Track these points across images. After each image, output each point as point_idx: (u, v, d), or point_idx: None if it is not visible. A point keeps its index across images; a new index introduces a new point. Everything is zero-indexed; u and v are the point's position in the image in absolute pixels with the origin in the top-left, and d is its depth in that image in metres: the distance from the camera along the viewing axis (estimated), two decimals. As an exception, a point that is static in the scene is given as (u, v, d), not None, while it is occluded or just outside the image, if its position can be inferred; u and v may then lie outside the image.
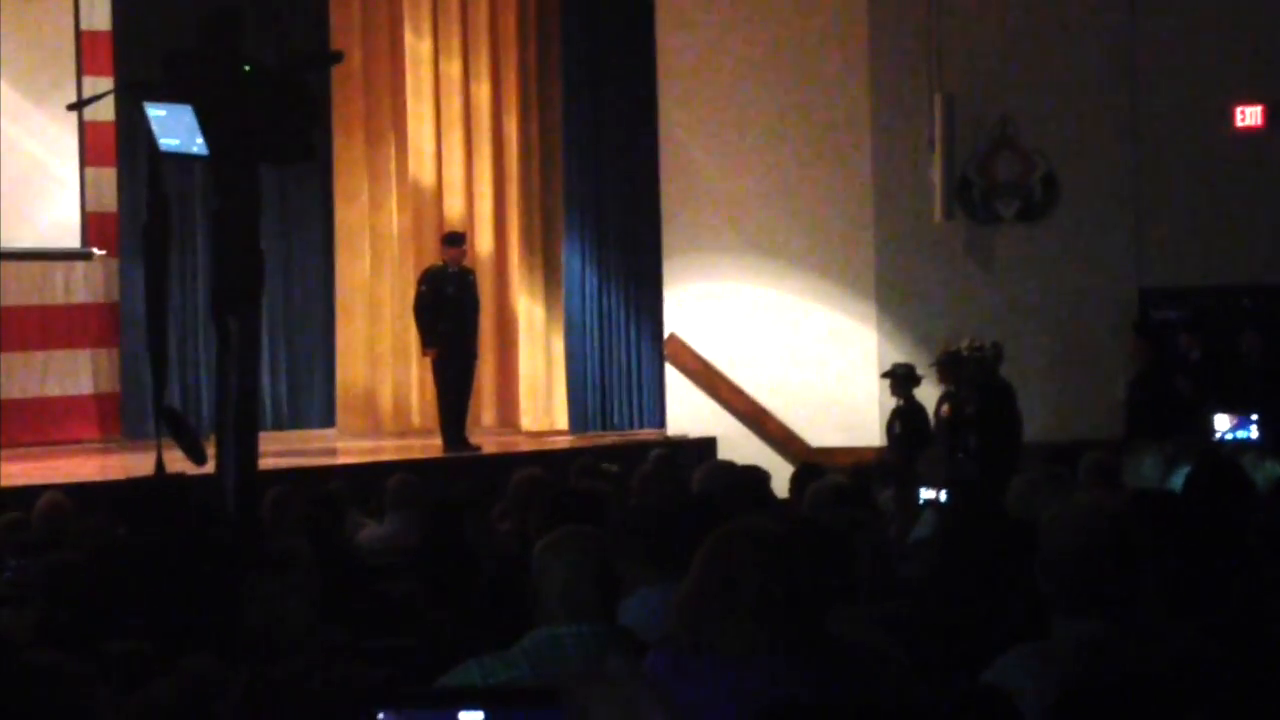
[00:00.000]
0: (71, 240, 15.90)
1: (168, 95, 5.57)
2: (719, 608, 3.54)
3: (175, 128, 5.54)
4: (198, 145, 5.47)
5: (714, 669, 3.47)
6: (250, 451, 5.26)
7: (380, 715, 0.94)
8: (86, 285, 16.25)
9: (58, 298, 16.07)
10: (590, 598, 4.16)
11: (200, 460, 5.28)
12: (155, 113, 5.66)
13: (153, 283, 5.68)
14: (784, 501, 8.62)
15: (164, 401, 5.69)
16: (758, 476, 8.25)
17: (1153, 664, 3.47)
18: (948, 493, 7.18)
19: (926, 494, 7.29)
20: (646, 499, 8.66)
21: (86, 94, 15.29)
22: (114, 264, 16.32)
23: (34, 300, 15.84)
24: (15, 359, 15.62)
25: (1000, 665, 3.66)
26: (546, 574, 4.19)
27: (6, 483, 11.52)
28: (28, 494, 9.87)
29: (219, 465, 5.27)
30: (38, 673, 0.82)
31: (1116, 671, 3.41)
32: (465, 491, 8.99)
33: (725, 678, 3.46)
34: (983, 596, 4.80)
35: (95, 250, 16.05)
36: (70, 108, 14.89)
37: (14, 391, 15.53)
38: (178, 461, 5.29)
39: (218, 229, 5.45)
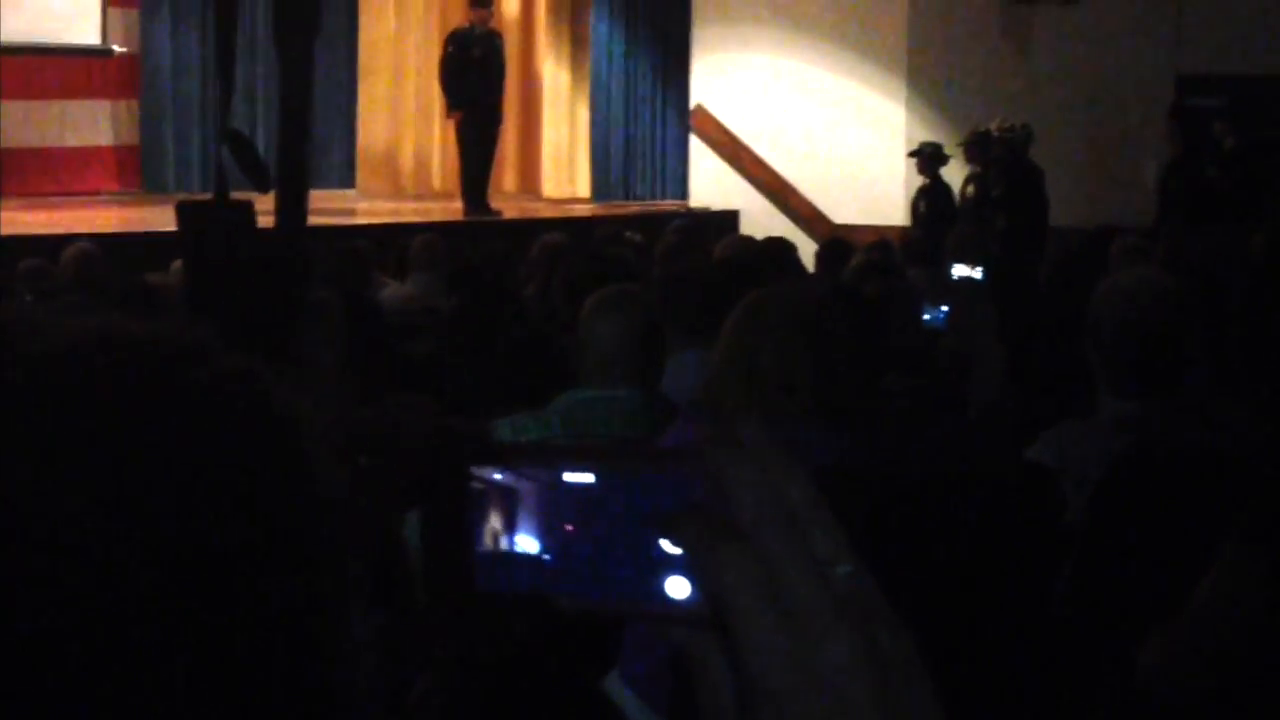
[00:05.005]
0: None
1: None
2: (752, 377, 3.45)
3: None
4: None
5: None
6: (302, 181, 5.15)
7: (474, 471, 0.86)
8: (107, 36, 16.00)
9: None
10: (636, 359, 4.05)
11: (264, 186, 5.15)
12: None
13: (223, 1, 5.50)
14: (811, 275, 8.56)
15: (229, 124, 5.55)
16: (785, 247, 8.18)
17: (1200, 442, 3.40)
18: (983, 270, 7.09)
19: (960, 271, 7.19)
20: (671, 268, 8.58)
21: None
22: (134, 15, 16.07)
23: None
24: (34, 106, 15.42)
25: (1044, 440, 3.59)
26: (594, 333, 4.08)
27: (27, 231, 11.44)
28: (49, 242, 9.82)
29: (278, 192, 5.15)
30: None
31: (1163, 449, 3.34)
32: (490, 254, 8.91)
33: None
34: (1023, 375, 4.74)
35: (116, 48, 15.77)
36: None
37: (32, 140, 15.38)
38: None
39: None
